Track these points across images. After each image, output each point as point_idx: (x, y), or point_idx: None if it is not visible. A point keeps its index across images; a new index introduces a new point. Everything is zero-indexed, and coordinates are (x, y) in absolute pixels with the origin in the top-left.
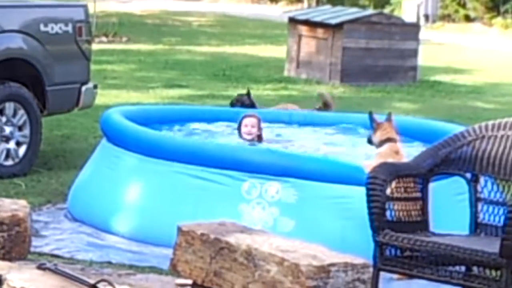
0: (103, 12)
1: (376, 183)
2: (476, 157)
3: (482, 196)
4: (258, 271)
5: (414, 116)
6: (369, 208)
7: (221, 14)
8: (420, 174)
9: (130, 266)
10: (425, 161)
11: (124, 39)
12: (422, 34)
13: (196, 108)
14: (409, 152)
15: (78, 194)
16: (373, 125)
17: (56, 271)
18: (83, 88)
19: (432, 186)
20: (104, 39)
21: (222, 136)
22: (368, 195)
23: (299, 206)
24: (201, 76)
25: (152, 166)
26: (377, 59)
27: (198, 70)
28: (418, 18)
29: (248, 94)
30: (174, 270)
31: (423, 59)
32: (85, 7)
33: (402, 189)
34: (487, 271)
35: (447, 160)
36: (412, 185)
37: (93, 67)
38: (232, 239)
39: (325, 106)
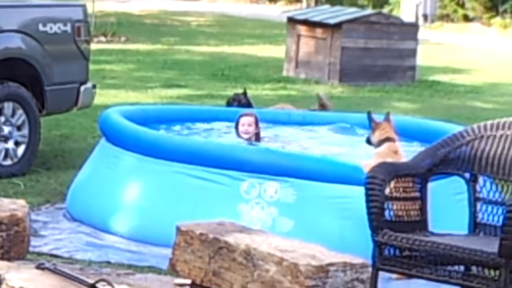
0: (102, 12)
1: (375, 183)
2: (475, 157)
3: (481, 195)
4: (257, 270)
5: (412, 116)
6: (368, 207)
7: (219, 14)
8: (419, 174)
9: (129, 266)
10: (424, 161)
11: (123, 39)
12: (420, 34)
13: (194, 108)
14: (408, 152)
15: (77, 194)
16: (372, 125)
17: (55, 271)
18: (82, 88)
19: (431, 185)
20: (102, 39)
21: (221, 136)
22: (367, 195)
23: (298, 206)
24: (200, 76)
25: (151, 166)
26: (376, 59)
27: (196, 70)
28: (416, 18)
29: (245, 93)
30: (173, 270)
31: (421, 59)
32: (83, 7)
33: (401, 189)
34: (486, 271)
35: (446, 160)
36: (411, 184)
37: (91, 67)
38: (231, 239)
39: (322, 107)
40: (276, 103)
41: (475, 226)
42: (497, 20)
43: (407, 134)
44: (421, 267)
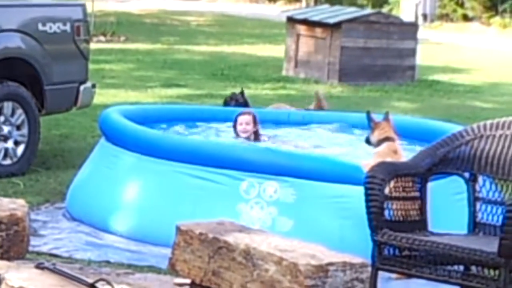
0: (101, 12)
1: (374, 183)
2: (475, 156)
3: (480, 195)
4: (256, 270)
5: (412, 116)
6: (368, 207)
7: (219, 13)
8: (419, 174)
9: (129, 266)
10: (423, 160)
11: (122, 38)
12: (420, 34)
13: (194, 108)
14: (407, 151)
15: (77, 194)
16: (371, 125)
17: (54, 271)
18: (81, 87)
19: (430, 185)
20: (102, 38)
21: (220, 135)
22: (367, 195)
23: (298, 206)
24: (200, 76)
25: (151, 166)
26: (375, 58)
27: (196, 70)
28: (416, 17)
29: (242, 92)
30: (172, 270)
31: (421, 59)
32: (83, 6)
33: (401, 189)
34: (486, 271)
35: (446, 159)
36: (410, 184)
37: (91, 66)
38: (230, 238)
39: (319, 107)
40: (275, 103)
41: (475, 226)
42: (497, 19)
43: (407, 133)
44: (420, 267)
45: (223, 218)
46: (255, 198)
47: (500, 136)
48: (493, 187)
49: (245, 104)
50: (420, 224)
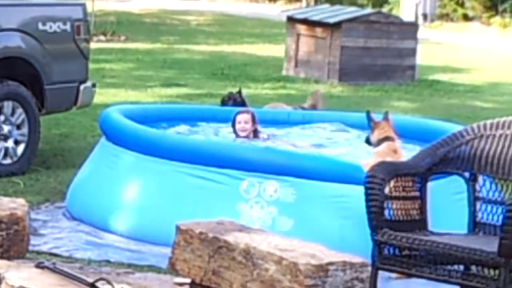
0: (102, 11)
1: (374, 182)
2: (475, 156)
3: (480, 195)
4: (256, 270)
5: (412, 115)
6: (368, 207)
7: (219, 13)
8: (419, 173)
9: (129, 265)
10: (423, 160)
11: (122, 38)
12: (420, 33)
13: (194, 107)
14: (407, 151)
15: (77, 193)
16: (371, 124)
17: (54, 270)
18: (82, 86)
19: (430, 185)
20: (102, 37)
21: (219, 135)
22: (367, 194)
23: (298, 205)
24: (200, 75)
25: (151, 165)
26: (376, 58)
27: (196, 69)
28: (416, 17)
29: (239, 91)
30: (172, 269)
31: (421, 58)
32: (83, 5)
33: (401, 188)
34: (486, 270)
35: (446, 159)
36: (410, 184)
37: (91, 65)
38: (230, 238)
39: (313, 106)
40: (272, 102)
41: (475, 226)
42: (497, 19)
43: (407, 133)
44: (420, 267)
45: (223, 218)
46: (255, 197)
47: (500, 135)
48: (493, 186)
49: (243, 103)
50: (420, 223)
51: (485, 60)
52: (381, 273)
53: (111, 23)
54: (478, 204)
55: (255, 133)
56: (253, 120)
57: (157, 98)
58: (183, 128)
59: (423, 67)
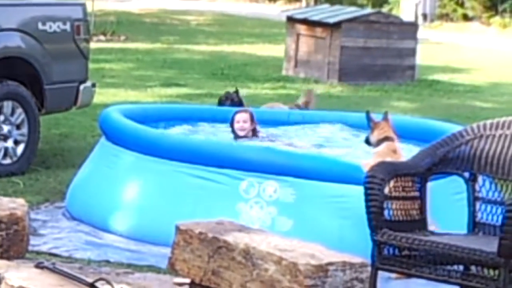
0: (101, 11)
1: (374, 182)
2: (474, 156)
3: (480, 195)
4: (256, 270)
5: (412, 115)
6: (367, 207)
7: (219, 13)
8: (418, 173)
9: (128, 265)
10: (423, 160)
11: (122, 37)
12: (420, 33)
13: (194, 107)
14: (406, 151)
15: (76, 193)
16: (371, 125)
17: (54, 270)
18: (81, 86)
19: (430, 185)
20: (102, 37)
21: (218, 135)
22: (366, 194)
23: (297, 205)
24: (199, 75)
25: (151, 165)
26: (375, 58)
27: (196, 69)
28: (416, 17)
29: (236, 91)
30: (172, 269)
31: (421, 58)
32: (83, 5)
33: (400, 188)
34: (485, 270)
35: (445, 159)
36: (410, 184)
37: (91, 65)
38: (230, 238)
39: (306, 104)
40: (270, 102)
41: (474, 226)
42: (497, 19)
43: (407, 133)
44: (420, 267)
45: (223, 218)
46: (255, 197)
47: (500, 136)
48: (493, 187)
49: (240, 103)
50: (420, 224)
51: (485, 60)
52: (380, 273)
53: (111, 23)
54: (477, 204)
55: (254, 133)
56: (252, 120)
57: (157, 98)
58: (183, 128)
59: (423, 67)
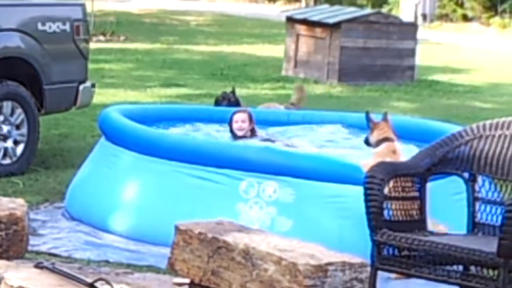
0: (101, 11)
1: (373, 182)
2: (474, 156)
3: (479, 195)
4: (255, 270)
5: (411, 116)
6: (367, 207)
7: (219, 13)
8: (418, 174)
9: (128, 265)
10: (422, 160)
11: (122, 38)
12: (420, 34)
13: (193, 107)
14: (406, 151)
15: (76, 193)
16: (370, 125)
17: (53, 270)
18: (81, 87)
19: (429, 185)
20: (101, 38)
21: (215, 135)
22: (366, 194)
23: (297, 206)
24: (199, 75)
25: (150, 165)
26: (375, 58)
27: (195, 69)
28: (416, 17)
29: (233, 91)
30: (171, 269)
31: (420, 59)
32: (83, 6)
33: (400, 189)
34: (485, 271)
35: (445, 159)
36: (409, 184)
37: (90, 66)
38: (229, 238)
39: (299, 100)
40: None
41: (474, 226)
42: (496, 20)
43: (406, 134)
44: (419, 267)
45: (222, 218)
46: (254, 198)
47: (500, 136)
48: (492, 187)
49: (237, 103)
50: (420, 224)
51: (484, 60)
52: (380, 274)
53: (111, 23)
54: (477, 205)
55: (252, 132)
56: (250, 119)
57: (156, 98)
58: (182, 128)
59: (422, 68)
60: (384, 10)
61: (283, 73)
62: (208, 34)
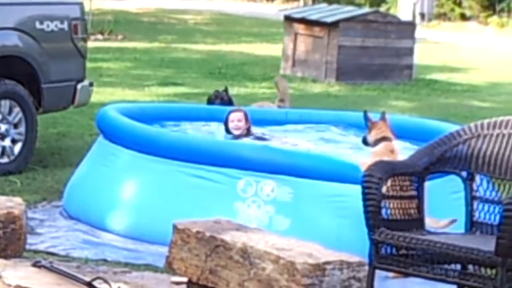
0: (99, 10)
1: (371, 181)
2: (472, 155)
3: (477, 194)
4: (253, 269)
5: (409, 115)
6: (365, 206)
7: (217, 12)
8: (416, 173)
9: (126, 264)
10: (420, 159)
11: (120, 37)
12: (418, 33)
13: (191, 106)
14: (404, 151)
15: (74, 192)
16: (368, 124)
17: (51, 269)
18: (79, 85)
19: (427, 184)
20: (99, 36)
21: (214, 134)
22: (364, 193)
23: (295, 205)
24: (197, 74)
25: (148, 164)
26: (373, 57)
27: (193, 68)
28: (414, 16)
29: (226, 90)
30: (169, 268)
31: (419, 58)
32: (80, 4)
33: (398, 188)
34: (483, 270)
35: (443, 158)
36: (407, 183)
37: (88, 64)
38: (227, 237)
39: (283, 94)
40: (273, 101)
41: (472, 225)
42: (494, 19)
43: (404, 133)
44: (417, 266)
45: (220, 217)
46: (252, 196)
47: (498, 135)
48: (490, 186)
49: (230, 101)
50: (417, 223)
51: (482, 59)
52: (378, 273)
53: (109, 22)
54: (475, 204)
55: (248, 131)
56: (246, 118)
57: (154, 97)
58: (180, 127)
59: (420, 67)
60: (382, 9)
61: (281, 72)
62: (206, 33)
